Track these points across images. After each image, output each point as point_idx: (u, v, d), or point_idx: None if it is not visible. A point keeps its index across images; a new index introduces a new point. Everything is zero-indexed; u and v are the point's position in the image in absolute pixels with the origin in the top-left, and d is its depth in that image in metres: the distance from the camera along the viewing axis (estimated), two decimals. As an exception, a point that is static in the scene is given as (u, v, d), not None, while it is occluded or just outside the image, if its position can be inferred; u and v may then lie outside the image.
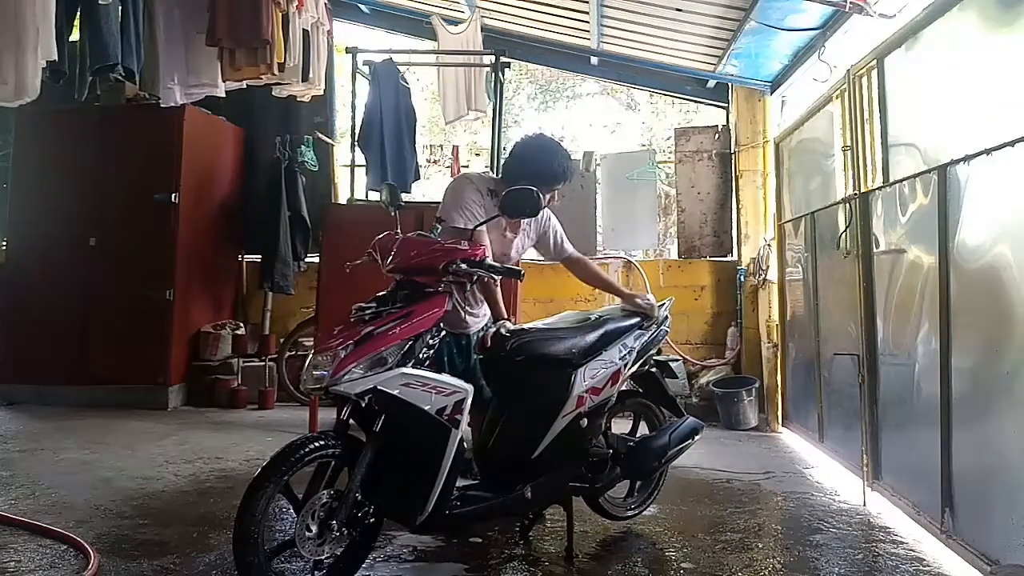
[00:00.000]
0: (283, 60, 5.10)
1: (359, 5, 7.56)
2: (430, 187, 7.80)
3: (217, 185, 6.81)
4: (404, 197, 5.93)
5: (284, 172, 6.60)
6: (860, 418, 3.93)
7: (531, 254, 3.60)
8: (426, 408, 2.53)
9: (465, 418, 2.61)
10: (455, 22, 6.88)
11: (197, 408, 6.24)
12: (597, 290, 6.77)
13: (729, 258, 6.84)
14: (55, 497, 3.67)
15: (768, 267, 6.18)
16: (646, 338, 3.27)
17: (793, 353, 5.66)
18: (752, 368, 6.36)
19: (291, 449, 2.43)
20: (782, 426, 5.85)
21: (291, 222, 6.69)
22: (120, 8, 4.50)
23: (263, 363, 6.61)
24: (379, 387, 2.48)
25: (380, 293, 2.73)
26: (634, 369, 3.28)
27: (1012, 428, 2.59)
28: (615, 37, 6.57)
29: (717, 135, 6.99)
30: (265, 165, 6.80)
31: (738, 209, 6.75)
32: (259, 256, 6.87)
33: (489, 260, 2.80)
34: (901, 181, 3.52)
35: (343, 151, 7.42)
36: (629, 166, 7.03)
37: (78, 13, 4.37)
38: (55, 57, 3.97)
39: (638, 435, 3.49)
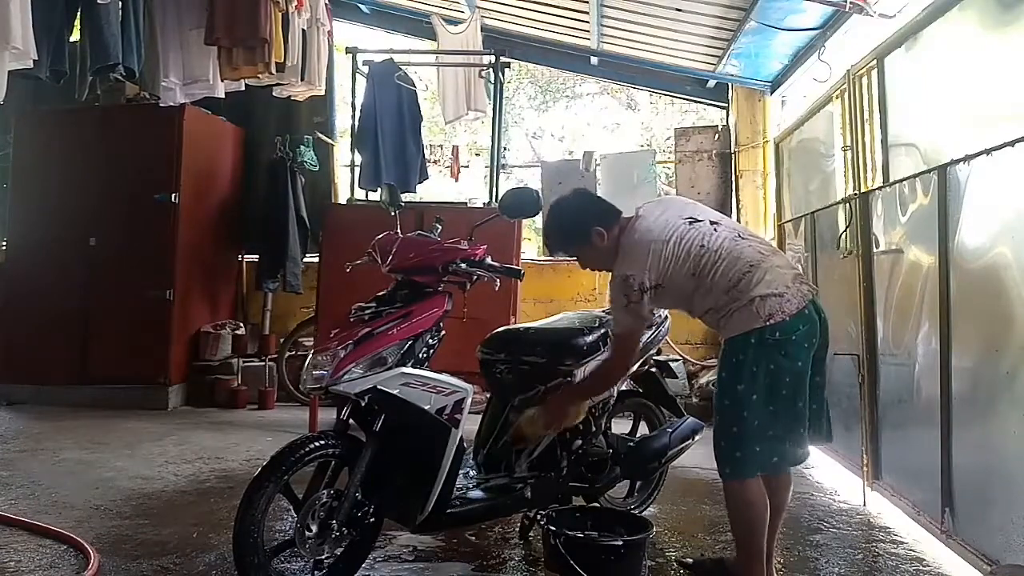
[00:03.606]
0: (282, 60, 5.10)
1: (359, 5, 7.55)
2: (430, 187, 7.80)
3: (217, 185, 6.81)
4: (409, 197, 6.01)
5: (289, 171, 6.59)
6: (860, 418, 3.92)
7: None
8: (426, 408, 2.53)
9: (465, 418, 2.61)
10: (455, 22, 6.88)
11: (197, 408, 6.23)
12: (597, 290, 6.80)
13: (729, 258, 6.83)
14: (55, 497, 3.66)
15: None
16: (646, 338, 3.27)
17: (793, 353, 5.64)
18: (752, 368, 6.34)
19: (291, 449, 2.43)
20: (782, 426, 5.83)
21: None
22: (120, 7, 4.50)
23: (263, 363, 6.60)
24: (379, 387, 2.49)
25: (380, 293, 2.74)
26: (634, 369, 3.29)
27: (1012, 428, 2.59)
28: (615, 37, 6.57)
29: (717, 135, 6.99)
30: (265, 165, 6.79)
31: (738, 209, 6.75)
32: (258, 256, 6.86)
33: (489, 260, 2.80)
34: (901, 181, 3.52)
35: (343, 151, 7.42)
36: (629, 166, 7.03)
37: (78, 13, 4.37)
38: (34, 57, 3.76)
39: (638, 435, 3.49)
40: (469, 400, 2.62)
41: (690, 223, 2.57)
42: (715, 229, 2.56)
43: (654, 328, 3.33)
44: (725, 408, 2.50)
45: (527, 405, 2.94)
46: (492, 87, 6.10)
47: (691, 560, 2.93)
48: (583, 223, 2.68)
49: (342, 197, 6.91)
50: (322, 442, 2.49)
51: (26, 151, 6.44)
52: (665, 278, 2.51)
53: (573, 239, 2.74)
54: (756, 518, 2.52)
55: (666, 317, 3.45)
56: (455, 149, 7.74)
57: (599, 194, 6.83)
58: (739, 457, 2.48)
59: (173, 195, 6.12)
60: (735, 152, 6.80)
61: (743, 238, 2.58)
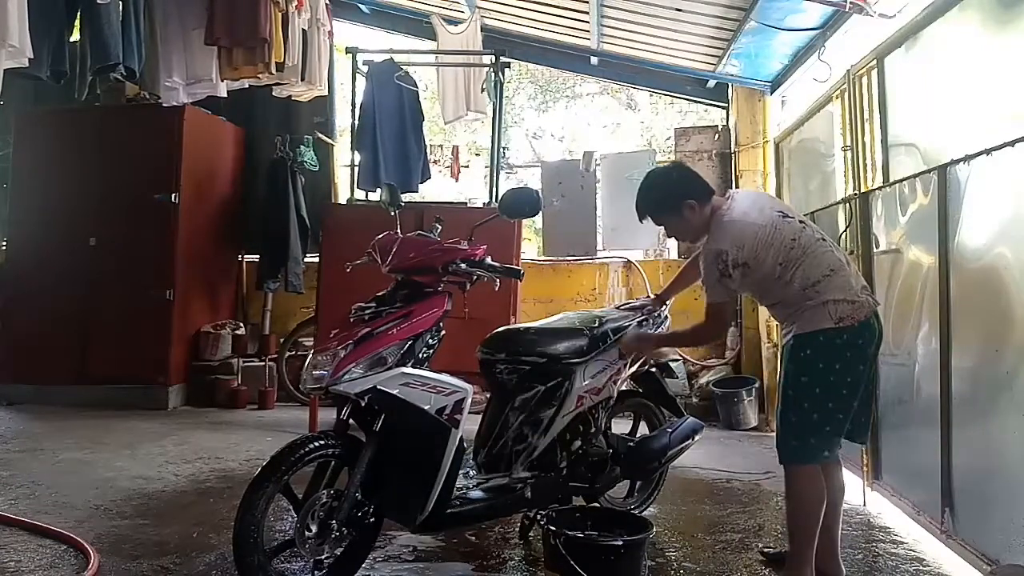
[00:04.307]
0: (282, 60, 5.10)
1: (359, 5, 7.55)
2: (430, 187, 7.80)
3: (217, 185, 6.81)
4: (411, 196, 6.01)
5: (289, 171, 6.59)
6: (860, 418, 3.92)
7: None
8: (426, 408, 2.53)
9: (465, 418, 2.61)
10: (455, 22, 6.88)
11: (197, 408, 6.24)
12: (597, 290, 6.81)
13: (729, 258, 6.83)
14: (55, 497, 3.66)
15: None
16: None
17: (793, 353, 5.65)
18: (752, 368, 6.35)
19: (291, 449, 2.44)
20: (782, 426, 5.83)
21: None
22: (120, 7, 4.50)
23: (263, 363, 6.60)
24: (379, 387, 2.49)
25: (380, 293, 2.74)
26: (634, 368, 3.29)
27: (1012, 428, 2.59)
28: (615, 37, 6.56)
29: (717, 135, 6.99)
30: (266, 165, 6.79)
31: (738, 209, 6.73)
32: (259, 256, 6.85)
33: (489, 260, 2.80)
34: (901, 181, 3.52)
35: (343, 151, 7.42)
36: (629, 166, 7.02)
37: (78, 13, 4.37)
38: (29, 55, 3.72)
39: (638, 435, 3.49)
40: (469, 400, 2.62)
41: (782, 216, 2.70)
42: (804, 228, 2.70)
43: (654, 328, 3.33)
44: (788, 398, 2.67)
45: (527, 405, 2.94)
46: (492, 87, 6.08)
47: (770, 550, 3.06)
48: (676, 194, 2.79)
49: (342, 197, 6.91)
50: (322, 442, 2.49)
51: (26, 151, 6.44)
52: (753, 260, 2.63)
53: (664, 207, 2.84)
54: (809, 504, 2.66)
55: (666, 317, 3.45)
56: (455, 149, 7.74)
57: (599, 194, 6.81)
58: (795, 446, 2.67)
59: (173, 195, 6.13)
60: (735, 152, 6.79)
61: (825, 241, 2.71)
